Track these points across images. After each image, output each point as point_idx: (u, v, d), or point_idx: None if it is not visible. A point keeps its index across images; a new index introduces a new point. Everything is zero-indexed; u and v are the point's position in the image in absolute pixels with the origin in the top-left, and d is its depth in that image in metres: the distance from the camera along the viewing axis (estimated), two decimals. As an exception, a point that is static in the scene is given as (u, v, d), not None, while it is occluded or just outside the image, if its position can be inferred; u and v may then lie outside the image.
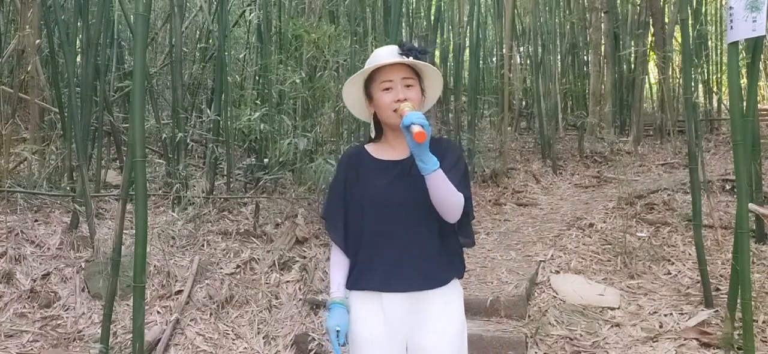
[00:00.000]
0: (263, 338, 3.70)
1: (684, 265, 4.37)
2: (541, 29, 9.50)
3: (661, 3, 9.70)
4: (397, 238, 1.78)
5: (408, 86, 1.78)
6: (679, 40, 8.74)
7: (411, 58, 1.76)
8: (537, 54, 9.50)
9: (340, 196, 1.88)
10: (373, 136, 1.92)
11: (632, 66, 10.74)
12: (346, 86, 1.88)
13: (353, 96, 1.90)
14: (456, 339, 1.80)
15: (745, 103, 3.29)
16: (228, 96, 5.72)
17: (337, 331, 1.78)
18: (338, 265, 1.88)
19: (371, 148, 1.89)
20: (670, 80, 9.61)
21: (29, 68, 5.36)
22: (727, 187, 5.90)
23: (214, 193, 5.50)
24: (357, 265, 1.84)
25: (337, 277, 1.87)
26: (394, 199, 1.79)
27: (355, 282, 1.84)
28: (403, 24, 8.14)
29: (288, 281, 4.24)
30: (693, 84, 9.06)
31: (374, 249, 1.80)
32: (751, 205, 3.58)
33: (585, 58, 10.83)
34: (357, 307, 1.84)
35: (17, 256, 4.13)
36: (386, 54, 1.79)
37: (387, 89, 1.77)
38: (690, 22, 4.62)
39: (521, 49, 10.28)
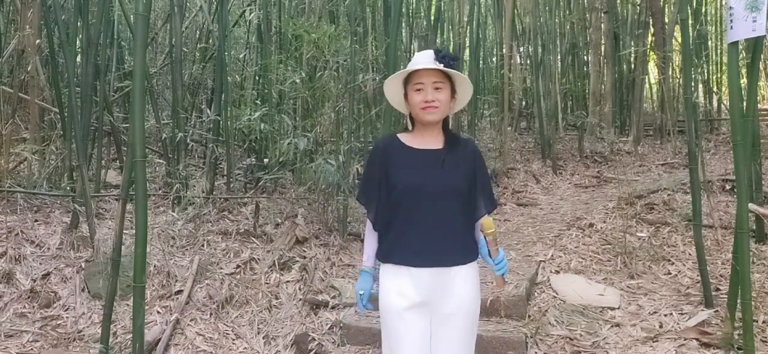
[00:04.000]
0: (263, 338, 3.70)
1: (684, 265, 4.37)
2: (541, 29, 9.50)
3: (661, 3, 9.71)
4: (428, 218, 2.01)
5: (437, 89, 2.02)
6: (679, 40, 8.74)
7: (442, 65, 2.00)
8: (537, 54, 9.50)
9: (374, 179, 2.11)
10: (409, 128, 2.15)
11: (632, 66, 10.75)
12: (387, 83, 2.14)
13: (393, 91, 2.15)
14: (472, 311, 2.09)
15: (745, 103, 3.29)
16: (228, 96, 5.72)
17: (361, 293, 2.09)
18: (370, 238, 2.15)
19: (404, 138, 2.13)
20: (670, 80, 9.61)
21: (29, 68, 5.36)
22: (727, 187, 5.89)
23: (214, 193, 5.50)
24: (388, 240, 2.07)
25: (368, 249, 2.15)
26: (428, 184, 2.03)
27: (386, 255, 2.08)
28: (403, 24, 8.15)
29: (288, 281, 4.24)
30: (693, 84, 9.06)
31: (407, 227, 2.03)
32: (751, 205, 3.59)
33: (585, 58, 10.83)
34: (388, 279, 2.08)
35: (17, 256, 4.14)
36: (422, 59, 2.04)
37: (419, 90, 2.03)
38: (690, 22, 4.62)
39: (521, 49, 10.28)
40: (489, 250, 2.04)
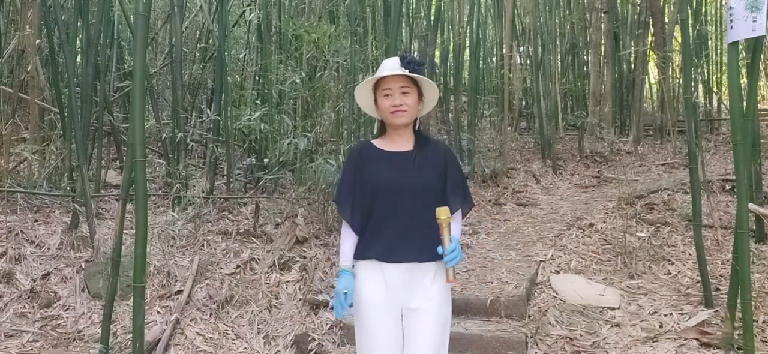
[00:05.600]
0: (263, 338, 3.70)
1: (684, 265, 4.37)
2: (541, 29, 9.50)
3: (661, 3, 9.70)
4: (400, 217, 2.09)
5: (404, 93, 2.12)
6: (679, 40, 8.74)
7: (407, 71, 2.08)
8: (537, 54, 9.50)
9: (350, 182, 2.19)
10: (375, 132, 2.28)
11: (632, 66, 10.74)
12: (357, 90, 2.24)
13: (363, 98, 2.25)
14: (441, 303, 2.13)
15: (745, 103, 3.29)
16: (228, 96, 5.72)
17: (345, 293, 2.07)
18: (347, 239, 2.18)
19: (377, 142, 2.23)
20: (670, 80, 9.61)
21: (29, 68, 5.36)
22: (727, 187, 5.89)
23: (214, 193, 5.50)
24: (364, 238, 2.14)
25: (346, 249, 2.18)
26: (399, 184, 2.11)
27: (361, 252, 2.15)
28: (403, 24, 8.14)
29: (288, 281, 4.24)
30: (693, 84, 9.07)
31: (380, 226, 2.11)
32: (751, 205, 3.59)
33: (585, 58, 10.82)
34: (362, 274, 2.14)
35: (17, 256, 4.14)
36: (389, 65, 2.13)
37: (387, 95, 2.12)
38: (690, 22, 4.61)
39: (521, 49, 10.28)
40: (441, 239, 2.00)
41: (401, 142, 2.18)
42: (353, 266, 2.17)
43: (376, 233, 2.11)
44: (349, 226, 2.18)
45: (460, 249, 2.02)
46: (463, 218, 2.25)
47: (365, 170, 2.16)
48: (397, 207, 2.09)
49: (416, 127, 2.22)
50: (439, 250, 1.99)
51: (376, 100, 2.18)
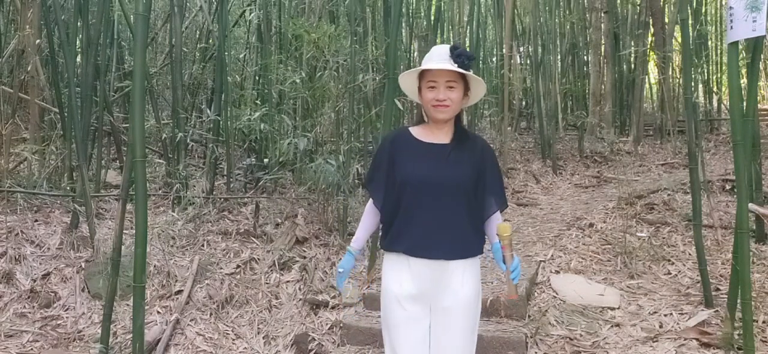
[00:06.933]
0: (263, 338, 3.70)
1: (684, 265, 4.37)
2: (541, 29, 9.50)
3: (661, 3, 9.71)
4: (430, 211, 2.02)
5: (450, 88, 2.02)
6: (679, 40, 8.75)
7: (456, 66, 1.99)
8: (537, 54, 9.50)
9: (383, 166, 2.13)
10: (426, 119, 2.17)
11: (632, 66, 10.75)
12: (402, 77, 2.17)
13: (407, 84, 2.17)
14: (471, 302, 2.08)
15: (745, 103, 3.29)
16: (228, 96, 5.72)
17: (340, 272, 2.16)
18: (366, 222, 2.20)
19: (415, 131, 2.14)
20: (670, 80, 9.62)
21: (29, 68, 5.36)
22: (727, 187, 5.89)
23: (214, 193, 5.50)
24: (393, 229, 2.09)
25: (361, 232, 2.20)
26: (432, 177, 2.04)
27: (390, 244, 2.11)
28: (403, 24, 8.14)
29: (288, 281, 4.24)
30: (693, 84, 9.07)
31: (410, 218, 2.04)
32: (751, 205, 3.59)
33: (585, 58, 10.83)
34: (390, 266, 2.12)
35: (17, 256, 4.14)
36: (438, 56, 2.03)
37: (432, 88, 2.03)
38: (690, 22, 4.62)
39: (521, 49, 10.28)
40: (503, 256, 2.01)
41: (440, 135, 2.10)
42: (358, 250, 2.19)
43: (404, 227, 2.05)
44: (377, 208, 2.14)
45: (519, 264, 2.03)
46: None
47: (397, 159, 2.09)
48: (426, 201, 2.02)
49: (461, 121, 2.15)
50: (503, 266, 2.01)
51: (420, 87, 2.09)
